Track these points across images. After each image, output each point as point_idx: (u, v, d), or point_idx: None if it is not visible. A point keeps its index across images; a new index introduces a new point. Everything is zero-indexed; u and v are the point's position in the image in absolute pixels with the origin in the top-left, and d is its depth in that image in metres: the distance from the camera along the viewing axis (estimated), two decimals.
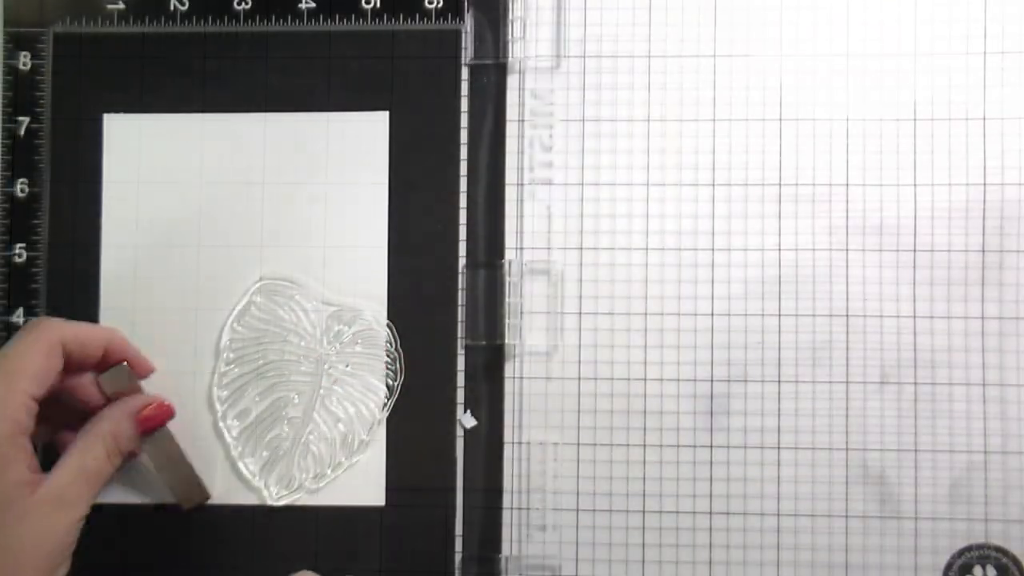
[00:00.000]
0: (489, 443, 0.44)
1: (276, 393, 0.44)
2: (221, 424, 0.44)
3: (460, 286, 0.45)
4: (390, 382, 0.44)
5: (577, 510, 0.44)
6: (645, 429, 0.44)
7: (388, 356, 0.44)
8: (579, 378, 0.44)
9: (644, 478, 0.44)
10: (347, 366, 0.44)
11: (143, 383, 0.43)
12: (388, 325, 0.44)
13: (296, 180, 0.45)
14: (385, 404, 0.44)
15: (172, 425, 0.43)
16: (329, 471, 0.44)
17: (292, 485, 0.44)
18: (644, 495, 0.44)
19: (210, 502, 0.44)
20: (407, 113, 0.45)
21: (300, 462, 0.44)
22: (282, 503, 0.44)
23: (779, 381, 0.44)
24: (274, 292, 0.45)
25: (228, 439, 0.44)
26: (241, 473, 0.44)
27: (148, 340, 0.45)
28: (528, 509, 0.44)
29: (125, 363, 0.43)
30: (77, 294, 0.45)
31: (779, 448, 0.44)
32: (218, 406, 0.44)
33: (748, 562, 0.43)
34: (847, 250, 0.44)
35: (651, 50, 0.45)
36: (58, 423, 0.42)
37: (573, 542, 0.44)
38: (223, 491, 0.45)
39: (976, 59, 0.44)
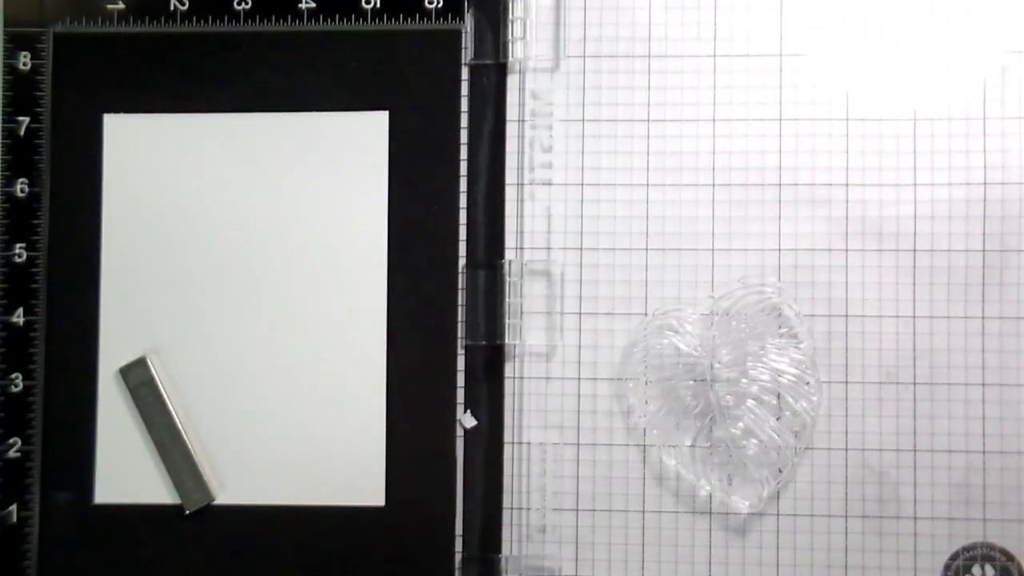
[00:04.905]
0: (489, 443, 0.44)
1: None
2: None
3: (460, 286, 0.45)
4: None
5: (577, 510, 0.44)
6: (645, 429, 0.44)
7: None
8: (579, 378, 0.44)
9: (644, 478, 0.44)
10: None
11: (168, 373, 0.44)
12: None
13: (296, 180, 0.45)
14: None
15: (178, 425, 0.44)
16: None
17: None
18: (644, 495, 0.44)
19: (210, 502, 0.44)
20: (407, 113, 0.45)
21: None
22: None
23: (780, 381, 0.44)
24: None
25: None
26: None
27: (148, 340, 0.45)
28: (528, 509, 0.44)
29: (144, 356, 0.43)
30: (77, 294, 0.45)
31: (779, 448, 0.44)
32: None
33: (748, 562, 0.43)
34: (847, 250, 0.44)
35: (651, 50, 0.45)
36: None
37: (573, 542, 0.44)
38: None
39: (976, 59, 0.44)
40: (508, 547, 0.44)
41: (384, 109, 0.45)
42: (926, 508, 0.43)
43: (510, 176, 0.45)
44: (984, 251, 0.44)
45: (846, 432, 0.44)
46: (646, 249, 0.45)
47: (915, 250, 0.44)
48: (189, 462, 0.44)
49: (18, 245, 0.45)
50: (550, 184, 0.45)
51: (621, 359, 0.44)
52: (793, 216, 0.44)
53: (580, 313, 0.45)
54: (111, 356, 0.45)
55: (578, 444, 0.44)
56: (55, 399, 0.45)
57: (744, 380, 0.43)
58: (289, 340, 0.45)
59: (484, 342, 0.44)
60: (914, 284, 0.44)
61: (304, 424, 0.45)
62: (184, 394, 0.45)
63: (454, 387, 0.45)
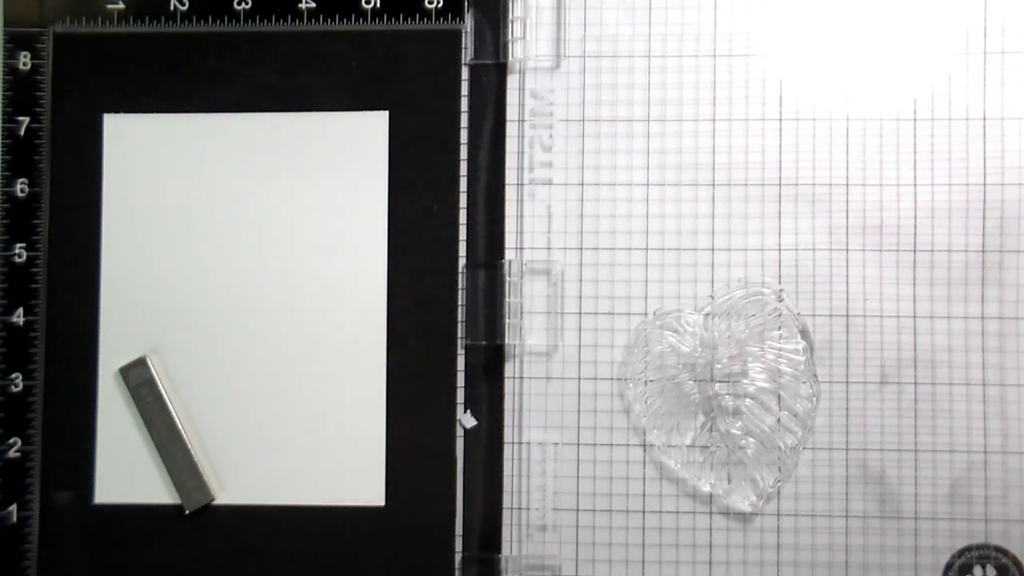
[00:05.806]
0: (489, 443, 0.44)
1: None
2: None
3: (460, 286, 0.45)
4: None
5: (577, 510, 0.44)
6: (645, 429, 0.44)
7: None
8: (579, 378, 0.44)
9: (644, 478, 0.44)
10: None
11: (168, 373, 0.44)
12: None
13: (295, 180, 0.45)
14: None
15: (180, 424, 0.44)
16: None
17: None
18: (644, 495, 0.44)
19: (210, 502, 0.44)
20: (407, 113, 0.45)
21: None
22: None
23: (779, 381, 0.44)
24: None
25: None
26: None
27: (148, 340, 0.45)
28: (528, 509, 0.44)
29: (144, 356, 0.43)
30: (77, 294, 0.45)
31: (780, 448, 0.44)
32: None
33: (748, 562, 0.43)
34: (847, 250, 0.44)
35: (651, 50, 0.45)
36: None
37: (573, 542, 0.44)
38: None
39: (976, 59, 0.44)
40: (508, 547, 0.44)
41: (384, 109, 0.45)
42: (926, 508, 0.43)
43: (510, 176, 0.45)
44: (984, 251, 0.44)
45: (846, 432, 0.44)
46: (646, 249, 0.45)
47: (915, 250, 0.44)
48: (189, 462, 0.44)
49: (18, 245, 0.45)
50: (550, 184, 0.45)
51: (621, 359, 0.44)
52: (793, 216, 0.44)
53: (580, 313, 0.45)
54: (111, 356, 0.45)
55: (578, 444, 0.44)
56: (55, 399, 0.45)
57: (744, 380, 0.43)
58: (289, 340, 0.45)
59: (484, 342, 0.44)
60: (914, 284, 0.44)
61: (304, 424, 0.45)
62: (184, 394, 0.45)
63: (454, 387, 0.45)
